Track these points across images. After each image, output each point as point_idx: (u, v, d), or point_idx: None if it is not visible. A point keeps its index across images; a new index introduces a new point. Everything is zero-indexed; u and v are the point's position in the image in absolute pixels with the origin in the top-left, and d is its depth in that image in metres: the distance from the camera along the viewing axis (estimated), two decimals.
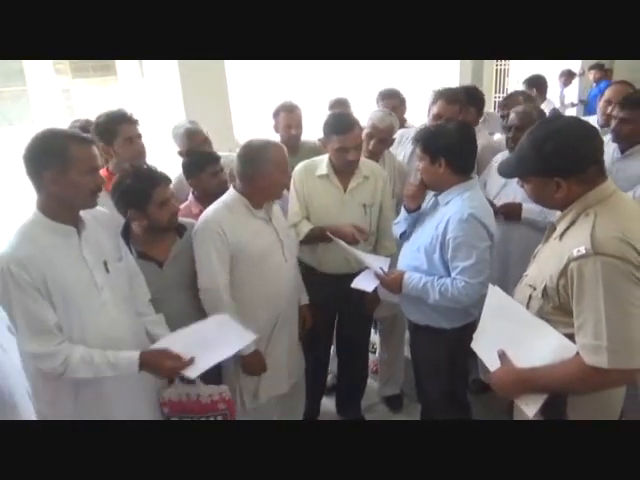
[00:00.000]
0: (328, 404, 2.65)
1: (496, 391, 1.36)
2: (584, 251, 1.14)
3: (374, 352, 3.14)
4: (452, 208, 1.70)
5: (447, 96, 2.50)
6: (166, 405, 1.67)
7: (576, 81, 6.45)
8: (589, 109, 5.84)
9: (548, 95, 4.45)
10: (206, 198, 1.96)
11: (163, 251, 1.82)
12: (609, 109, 2.55)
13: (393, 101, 2.84)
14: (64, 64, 13.03)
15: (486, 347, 1.44)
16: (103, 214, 1.62)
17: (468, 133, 1.74)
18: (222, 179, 2.05)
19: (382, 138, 2.33)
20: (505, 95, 2.68)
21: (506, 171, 1.41)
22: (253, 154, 1.79)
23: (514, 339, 1.33)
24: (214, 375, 1.97)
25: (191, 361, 1.50)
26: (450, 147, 1.69)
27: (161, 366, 1.49)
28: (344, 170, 2.13)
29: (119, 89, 13.06)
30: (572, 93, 6.43)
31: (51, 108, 12.43)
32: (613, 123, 2.24)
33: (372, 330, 3.22)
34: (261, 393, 1.98)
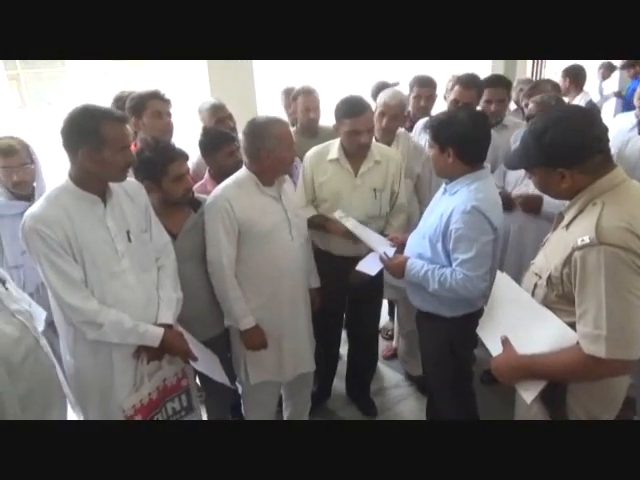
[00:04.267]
0: (339, 387, 2.70)
1: (496, 376, 1.37)
2: (588, 240, 1.13)
3: (387, 338, 3.17)
4: (458, 199, 1.67)
5: (464, 81, 2.47)
6: (136, 414, 1.62)
7: (616, 74, 6.21)
8: (627, 104, 5.61)
9: (586, 87, 4.29)
10: (221, 176, 1.99)
11: (177, 223, 1.87)
12: None
13: (429, 89, 2.76)
14: None
15: (490, 332, 1.46)
16: (133, 186, 1.68)
17: (480, 122, 1.69)
18: (237, 158, 2.07)
19: (394, 115, 2.31)
20: (532, 85, 2.58)
21: (511, 163, 1.40)
22: (257, 129, 1.81)
23: (518, 325, 1.35)
24: (223, 344, 2.04)
25: (196, 358, 1.71)
26: (459, 136, 1.65)
27: (180, 345, 1.67)
28: (355, 154, 2.14)
29: (155, 72, 13.30)
30: (612, 86, 6.20)
31: (89, 89, 12.76)
32: None
33: (388, 317, 3.25)
34: (261, 372, 2.02)
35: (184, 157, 1.85)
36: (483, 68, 5.21)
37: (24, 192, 1.97)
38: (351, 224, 1.99)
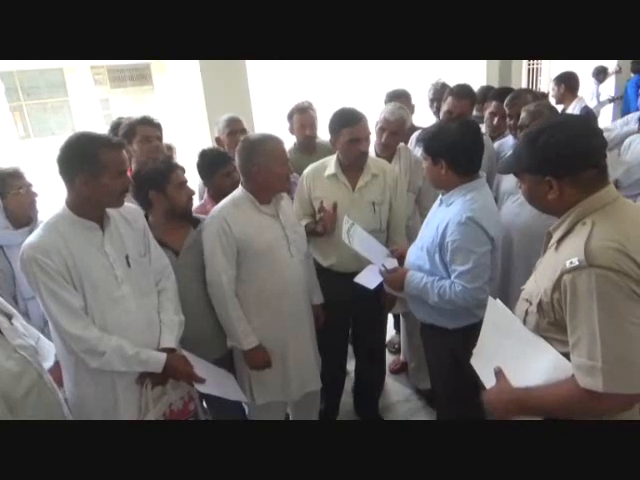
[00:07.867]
0: (347, 402, 2.66)
1: (489, 410, 1.29)
2: (577, 262, 1.05)
3: (394, 352, 3.14)
4: (453, 209, 1.67)
5: (456, 92, 2.51)
6: None
7: (612, 78, 6.25)
8: (627, 105, 5.61)
9: (581, 93, 4.31)
10: (220, 196, 2.02)
11: (179, 240, 1.90)
12: None
13: (400, 101, 2.78)
14: (103, 75, 13.57)
15: (483, 363, 1.38)
16: (131, 210, 1.70)
17: (471, 132, 1.68)
18: (235, 179, 2.10)
19: (393, 131, 2.34)
20: (512, 95, 2.54)
21: (503, 168, 1.37)
22: (250, 148, 1.84)
23: (511, 356, 1.27)
24: (227, 366, 2.02)
25: (202, 380, 1.66)
26: (450, 147, 1.64)
27: (184, 369, 1.64)
28: (355, 164, 2.15)
29: (154, 98, 13.49)
30: (608, 90, 6.23)
31: (90, 117, 12.95)
32: None
33: (394, 330, 3.23)
34: (267, 392, 2.00)
35: (182, 169, 1.91)
36: (478, 78, 5.26)
37: (31, 215, 1.98)
38: (357, 232, 1.96)
